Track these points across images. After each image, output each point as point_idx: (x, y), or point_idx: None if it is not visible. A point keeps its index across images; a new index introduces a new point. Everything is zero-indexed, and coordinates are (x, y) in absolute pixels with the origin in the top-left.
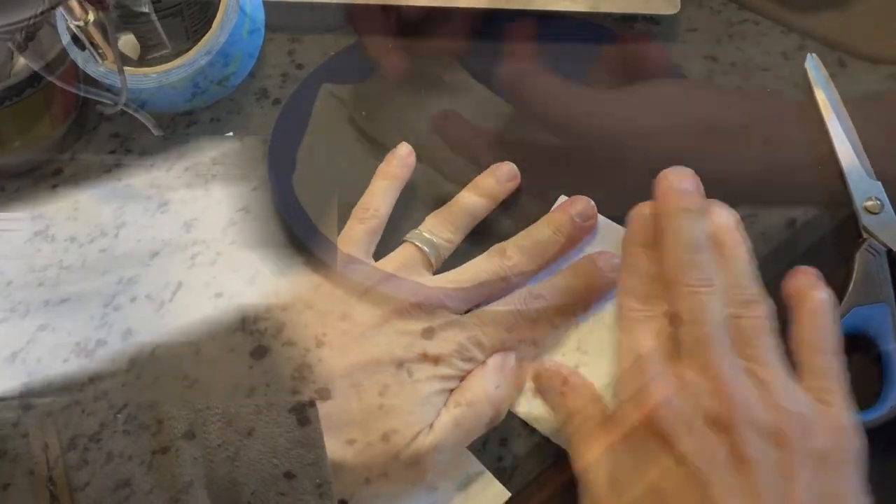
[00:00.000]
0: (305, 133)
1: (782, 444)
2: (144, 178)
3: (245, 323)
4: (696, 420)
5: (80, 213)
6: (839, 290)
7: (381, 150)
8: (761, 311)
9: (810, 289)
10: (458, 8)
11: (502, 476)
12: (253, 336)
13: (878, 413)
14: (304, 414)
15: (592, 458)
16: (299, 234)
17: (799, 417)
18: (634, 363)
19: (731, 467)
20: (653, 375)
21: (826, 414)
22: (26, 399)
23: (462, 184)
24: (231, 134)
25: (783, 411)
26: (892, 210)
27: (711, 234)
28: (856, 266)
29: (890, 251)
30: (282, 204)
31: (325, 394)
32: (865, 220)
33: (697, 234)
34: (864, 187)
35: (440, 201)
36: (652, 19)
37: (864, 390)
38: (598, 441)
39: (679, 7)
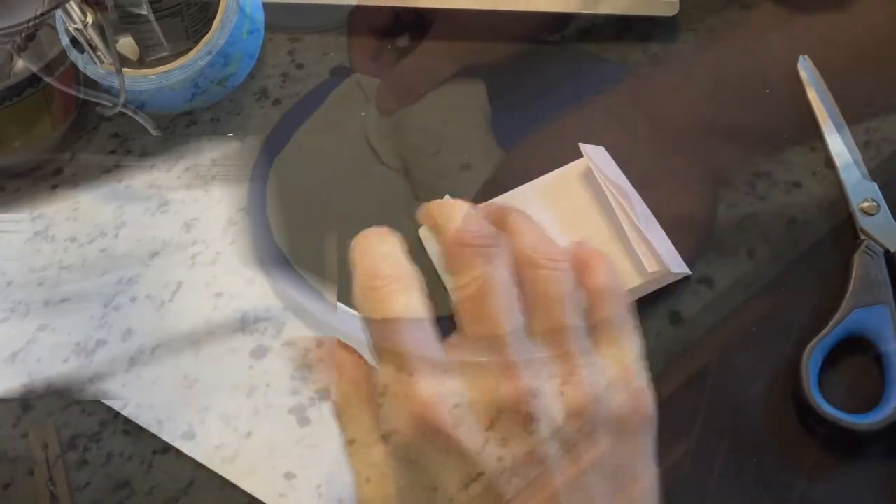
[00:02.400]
0: (313, 114)
1: (578, 423)
2: (144, 179)
3: (245, 323)
4: (479, 415)
5: (80, 213)
6: (838, 292)
7: (373, 159)
8: (561, 264)
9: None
10: (458, 10)
11: None
12: (253, 336)
13: (881, 416)
14: (303, 414)
15: (364, 465)
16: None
17: (597, 391)
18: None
19: (524, 465)
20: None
21: (623, 378)
22: (26, 399)
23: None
24: (231, 134)
25: (580, 390)
26: (888, 211)
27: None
28: (854, 268)
29: (888, 252)
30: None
31: (325, 394)
32: (862, 221)
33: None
34: (860, 188)
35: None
36: (651, 20)
37: (866, 393)
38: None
39: (678, 9)
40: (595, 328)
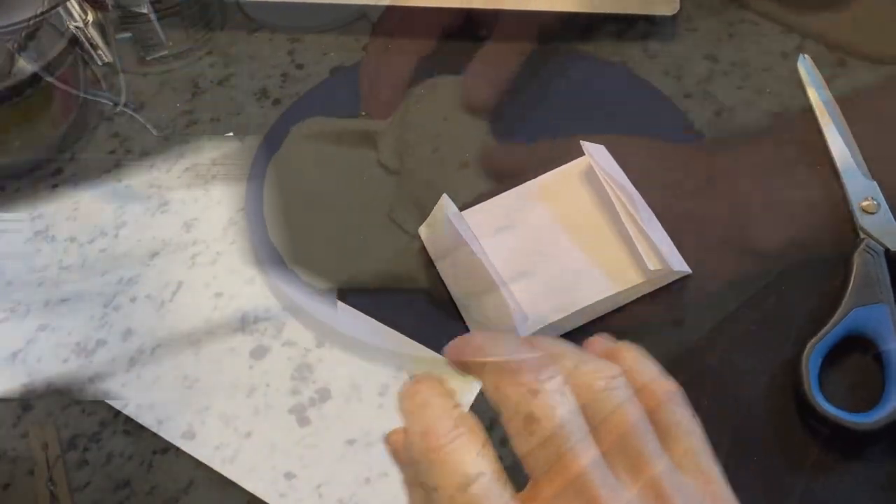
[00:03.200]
0: (311, 114)
1: None
2: (144, 179)
3: (245, 323)
4: None
5: (80, 213)
6: (838, 291)
7: (371, 159)
8: (618, 379)
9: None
10: (458, 8)
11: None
12: (253, 336)
13: (880, 415)
14: (303, 414)
15: None
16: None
17: None
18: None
19: None
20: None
21: (711, 494)
22: (26, 399)
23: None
24: (231, 134)
25: None
26: (888, 210)
27: None
28: (854, 267)
29: (888, 251)
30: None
31: (325, 394)
32: (862, 220)
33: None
34: (860, 187)
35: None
36: (651, 20)
37: (865, 392)
38: None
39: (678, 8)
40: (659, 430)
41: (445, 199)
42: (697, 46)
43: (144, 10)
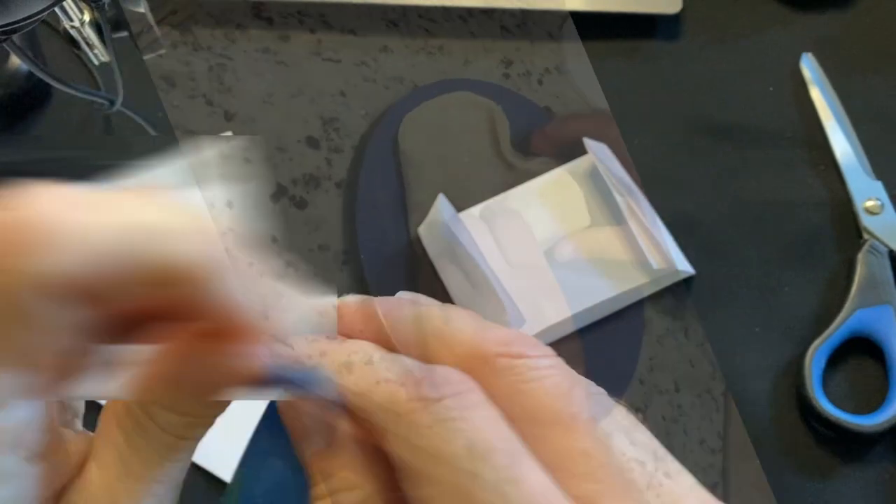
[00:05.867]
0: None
1: None
2: (143, 178)
3: None
4: None
5: None
6: (841, 293)
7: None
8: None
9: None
10: (461, 7)
11: None
12: None
13: (885, 417)
14: None
15: None
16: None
17: None
18: None
19: None
20: None
21: None
22: None
23: None
24: (230, 133)
25: None
26: (893, 211)
27: None
28: (858, 268)
29: (892, 252)
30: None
31: None
32: (866, 220)
33: None
34: (864, 188)
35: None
36: (652, 19)
37: (869, 394)
38: None
39: (681, 6)
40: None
41: (441, 201)
42: (698, 46)
43: (141, 10)
